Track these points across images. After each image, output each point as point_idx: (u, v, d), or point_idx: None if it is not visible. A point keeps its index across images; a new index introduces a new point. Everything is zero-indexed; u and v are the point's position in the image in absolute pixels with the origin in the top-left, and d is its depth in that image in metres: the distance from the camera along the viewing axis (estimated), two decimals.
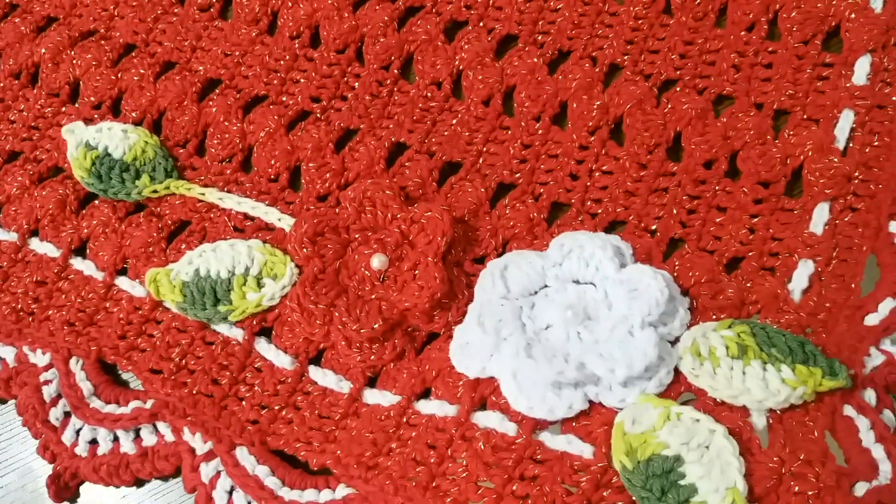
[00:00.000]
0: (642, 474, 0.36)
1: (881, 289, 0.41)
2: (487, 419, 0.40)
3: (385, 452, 0.41)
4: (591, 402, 0.39)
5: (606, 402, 0.39)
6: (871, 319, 0.40)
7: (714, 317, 0.41)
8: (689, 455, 0.36)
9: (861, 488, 0.35)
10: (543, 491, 0.38)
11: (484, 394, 0.41)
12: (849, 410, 0.38)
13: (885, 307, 0.40)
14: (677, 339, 0.41)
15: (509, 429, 0.40)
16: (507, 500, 0.38)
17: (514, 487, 0.38)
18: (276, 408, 0.43)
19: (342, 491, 0.41)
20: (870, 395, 0.38)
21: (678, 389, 0.39)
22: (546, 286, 0.43)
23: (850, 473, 0.36)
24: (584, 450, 0.38)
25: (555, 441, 0.39)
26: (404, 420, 0.42)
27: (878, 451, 0.36)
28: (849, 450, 0.37)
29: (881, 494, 0.35)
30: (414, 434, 0.41)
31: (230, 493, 0.42)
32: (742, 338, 0.39)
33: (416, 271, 0.44)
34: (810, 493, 0.36)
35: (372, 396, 0.43)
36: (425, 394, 0.43)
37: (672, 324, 0.40)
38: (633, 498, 0.37)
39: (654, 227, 0.45)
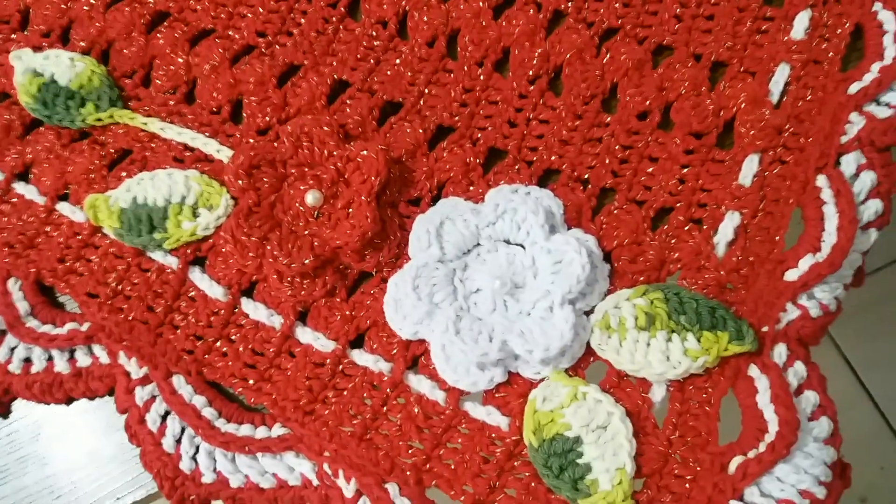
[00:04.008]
0: (545, 452, 0.37)
1: (802, 244, 0.39)
2: (419, 384, 0.40)
3: (321, 400, 0.40)
4: (510, 372, 0.39)
5: (524, 373, 0.39)
6: (791, 275, 0.38)
7: (632, 278, 0.40)
8: (587, 436, 0.37)
9: (734, 464, 0.35)
10: (464, 458, 0.38)
11: (416, 353, 0.41)
12: (753, 370, 0.37)
13: (804, 263, 0.38)
14: (593, 309, 0.40)
15: (439, 397, 0.40)
16: (434, 463, 0.39)
17: (441, 452, 0.39)
18: (211, 339, 0.42)
19: (278, 430, 0.40)
20: (780, 351, 0.37)
21: (588, 360, 0.39)
22: (479, 244, 0.41)
23: (726, 452, 0.35)
24: (502, 422, 0.39)
25: (476, 411, 0.39)
26: (339, 369, 0.41)
27: (768, 412, 0.35)
28: (745, 411, 0.36)
29: (748, 467, 0.34)
30: (350, 386, 0.40)
31: (164, 417, 0.41)
32: (654, 305, 0.38)
33: (350, 210, 0.42)
34: (688, 477, 0.36)
35: (304, 335, 0.41)
36: (358, 341, 0.41)
37: (590, 295, 0.40)
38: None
39: (586, 177, 0.43)
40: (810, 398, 0.36)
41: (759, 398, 0.36)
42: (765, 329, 0.37)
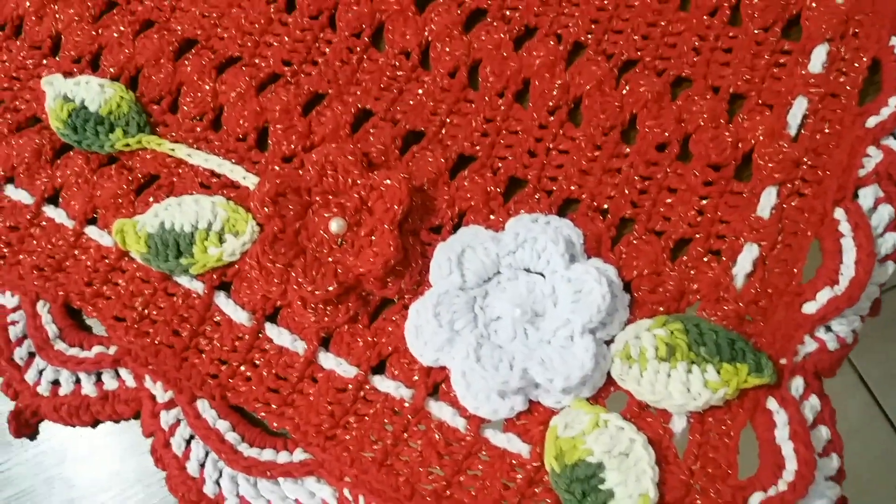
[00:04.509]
0: (567, 478, 0.37)
1: (821, 276, 0.39)
2: (440, 411, 0.40)
3: (342, 425, 0.40)
4: (531, 400, 0.40)
5: (545, 402, 0.39)
6: (809, 308, 0.38)
7: (652, 308, 0.40)
8: (610, 462, 0.37)
9: (755, 500, 0.35)
10: (485, 485, 0.38)
11: (437, 379, 0.41)
12: (771, 403, 0.37)
13: (823, 296, 0.38)
14: (613, 339, 0.40)
15: (459, 424, 0.40)
16: (454, 489, 0.39)
17: (461, 479, 0.39)
18: (235, 364, 0.42)
19: (299, 455, 0.40)
20: (797, 384, 0.37)
21: (609, 390, 0.39)
22: (499, 272, 0.41)
23: (747, 486, 0.35)
24: (522, 449, 0.39)
25: (497, 438, 0.39)
26: (361, 395, 0.41)
27: (787, 449, 0.35)
28: (763, 446, 0.36)
29: None
30: (371, 411, 0.41)
31: (188, 441, 0.41)
32: (675, 335, 0.38)
33: (373, 237, 0.42)
34: None
35: (327, 361, 0.42)
36: (380, 367, 0.42)
37: (611, 325, 0.40)
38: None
39: (605, 207, 0.43)
40: (823, 434, 0.36)
41: (777, 433, 0.36)
42: (783, 361, 0.38)
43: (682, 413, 0.38)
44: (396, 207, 0.42)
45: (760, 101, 0.44)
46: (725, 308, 0.40)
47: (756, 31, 0.45)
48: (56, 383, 0.43)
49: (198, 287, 0.44)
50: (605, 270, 0.41)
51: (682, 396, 0.37)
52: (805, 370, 0.37)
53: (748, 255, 0.41)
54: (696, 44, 0.46)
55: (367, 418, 0.40)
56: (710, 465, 0.37)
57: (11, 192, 0.48)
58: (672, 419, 0.38)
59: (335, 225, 0.43)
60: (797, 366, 0.37)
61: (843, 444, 0.36)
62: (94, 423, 0.43)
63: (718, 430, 0.38)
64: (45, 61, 0.51)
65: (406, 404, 0.40)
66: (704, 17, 0.46)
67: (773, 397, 0.37)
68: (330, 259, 0.42)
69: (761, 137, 0.43)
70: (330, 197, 0.44)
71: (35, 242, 0.46)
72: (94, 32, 0.51)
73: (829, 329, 0.38)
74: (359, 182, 0.43)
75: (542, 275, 0.41)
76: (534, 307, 0.40)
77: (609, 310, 0.40)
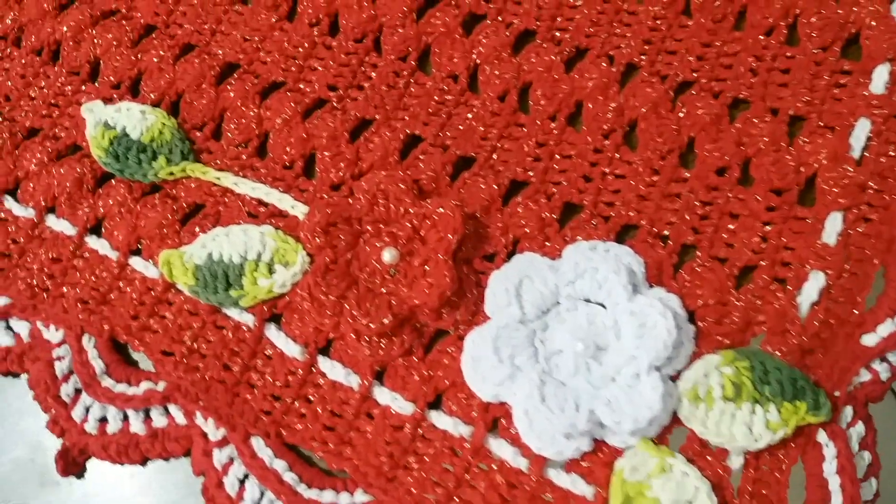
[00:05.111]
0: None
1: (881, 306, 0.38)
2: (501, 449, 0.39)
3: (402, 465, 0.39)
4: (595, 439, 0.38)
5: (610, 441, 0.38)
6: (868, 340, 0.38)
7: (718, 340, 0.39)
8: None
9: None
10: None
11: (496, 415, 0.39)
12: (821, 436, 0.36)
13: (884, 329, 0.38)
14: (679, 373, 0.38)
15: (521, 464, 0.38)
16: None
17: None
18: (289, 400, 0.41)
19: (360, 496, 0.39)
20: (847, 413, 0.37)
21: (672, 427, 0.38)
22: (558, 303, 0.40)
23: None
24: (587, 491, 0.38)
25: (560, 478, 0.38)
26: (419, 433, 0.40)
27: (833, 483, 0.35)
28: (810, 479, 0.36)
29: None
30: (431, 451, 0.39)
31: (241, 481, 0.40)
32: (741, 373, 0.37)
33: (427, 268, 0.41)
34: None
35: (382, 396, 0.40)
36: (437, 401, 0.40)
37: (676, 359, 0.38)
38: None
39: (666, 233, 0.42)
40: (865, 458, 0.36)
41: (825, 466, 0.36)
42: (836, 393, 0.37)
43: (741, 452, 0.37)
44: (451, 237, 0.41)
45: (822, 124, 0.43)
46: (790, 342, 0.39)
47: (815, 51, 0.44)
48: (104, 420, 0.42)
49: (248, 320, 0.43)
50: (669, 301, 0.40)
51: (744, 438, 0.36)
52: (856, 399, 0.37)
53: (814, 284, 0.39)
54: (753, 64, 0.44)
55: (426, 459, 0.39)
56: (763, 501, 0.36)
57: (53, 222, 0.46)
58: (730, 456, 0.37)
59: (388, 255, 0.41)
60: (849, 396, 0.37)
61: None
62: (144, 461, 0.42)
63: (771, 465, 0.37)
64: (83, 87, 0.49)
65: (466, 444, 0.39)
66: (760, 37, 0.45)
67: (823, 430, 0.36)
68: (383, 290, 0.41)
69: (824, 161, 0.42)
70: (381, 226, 0.42)
71: (78, 275, 0.45)
72: (133, 57, 0.50)
73: (884, 359, 0.38)
74: (411, 211, 0.42)
75: (603, 305, 0.40)
76: (596, 340, 0.39)
77: (675, 344, 0.38)
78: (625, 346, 0.39)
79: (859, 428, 0.37)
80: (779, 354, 0.38)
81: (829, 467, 0.36)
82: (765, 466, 0.37)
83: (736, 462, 0.37)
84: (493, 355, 0.39)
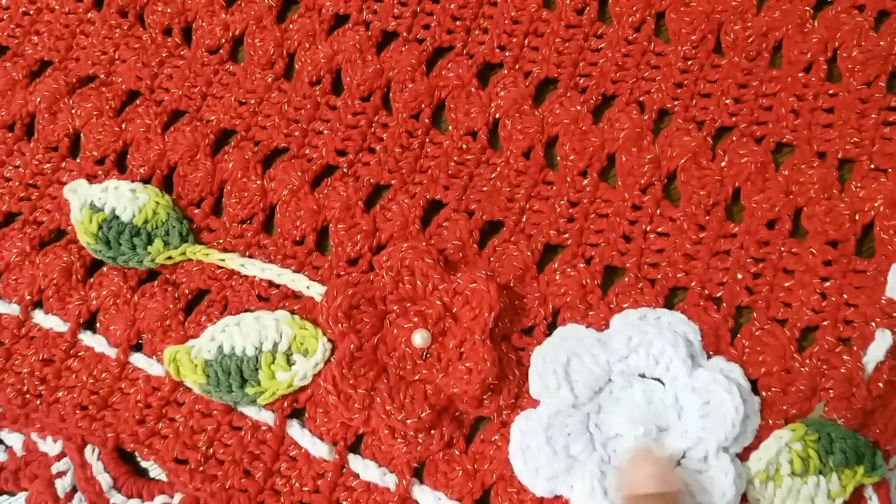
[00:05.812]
0: None
1: None
2: None
3: None
4: None
5: None
6: None
7: (784, 410, 0.36)
8: None
9: None
10: None
11: None
12: (867, 490, 0.35)
13: None
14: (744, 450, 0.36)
15: None
16: None
17: None
18: None
19: None
20: (893, 462, 0.36)
21: None
22: (610, 380, 0.37)
23: None
24: None
25: None
26: None
27: None
28: None
29: None
30: None
31: None
32: (808, 446, 0.35)
33: (463, 350, 0.37)
34: None
35: (423, 496, 0.37)
36: (484, 497, 0.37)
37: (743, 435, 0.35)
38: None
39: (718, 295, 0.38)
40: None
41: None
42: (887, 448, 0.35)
43: None
44: (487, 315, 0.37)
45: (873, 166, 0.40)
46: (855, 407, 0.36)
47: (859, 87, 0.41)
48: None
49: (267, 418, 0.39)
50: (732, 372, 0.36)
51: None
52: None
53: (881, 344, 0.37)
54: (795, 105, 0.41)
55: None
56: None
57: (41, 318, 0.42)
58: None
59: (419, 338, 0.38)
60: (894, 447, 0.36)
61: None
62: None
63: None
64: (64, 164, 0.45)
65: None
66: (799, 75, 0.41)
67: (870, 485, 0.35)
68: (416, 377, 0.37)
69: (881, 208, 0.39)
70: (408, 305, 0.38)
71: (74, 377, 0.40)
72: (116, 128, 0.45)
73: None
74: (440, 287, 0.38)
75: (660, 380, 0.37)
76: (657, 422, 0.36)
77: (742, 420, 0.35)
78: (689, 426, 0.35)
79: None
80: (842, 422, 0.36)
81: None
82: None
83: None
84: (547, 446, 0.35)
